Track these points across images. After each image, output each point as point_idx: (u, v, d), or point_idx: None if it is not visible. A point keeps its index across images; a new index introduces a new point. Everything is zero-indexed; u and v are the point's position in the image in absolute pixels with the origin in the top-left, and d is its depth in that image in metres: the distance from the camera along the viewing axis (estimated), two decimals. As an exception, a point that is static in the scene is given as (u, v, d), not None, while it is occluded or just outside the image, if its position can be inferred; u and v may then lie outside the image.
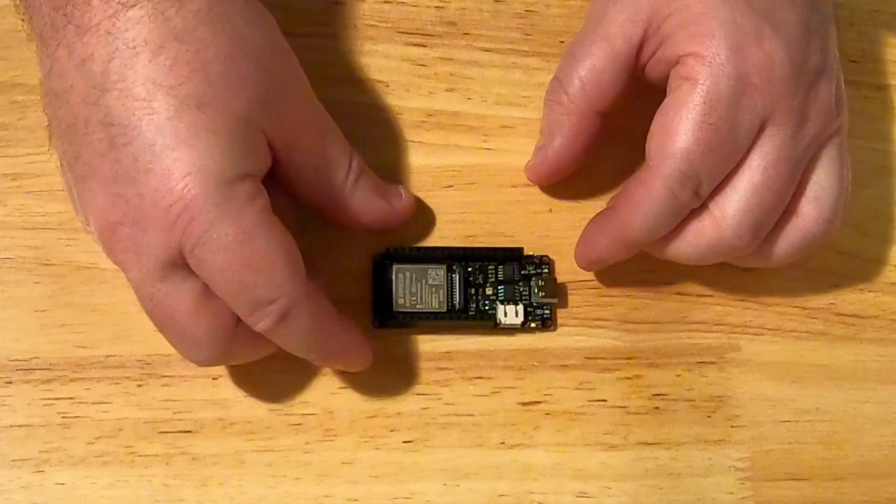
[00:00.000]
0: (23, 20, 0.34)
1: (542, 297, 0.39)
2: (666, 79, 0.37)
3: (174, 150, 0.31)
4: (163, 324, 0.34)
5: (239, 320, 0.33)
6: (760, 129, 0.35)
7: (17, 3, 0.35)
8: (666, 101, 0.36)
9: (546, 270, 0.40)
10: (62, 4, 0.32)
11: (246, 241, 0.31)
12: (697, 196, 0.35)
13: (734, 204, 0.35)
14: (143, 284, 0.33)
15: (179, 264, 0.32)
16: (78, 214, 0.34)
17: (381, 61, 0.42)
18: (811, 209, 0.36)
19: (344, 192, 0.37)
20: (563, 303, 0.40)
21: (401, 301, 0.39)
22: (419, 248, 0.40)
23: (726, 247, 0.36)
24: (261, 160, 0.33)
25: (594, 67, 0.37)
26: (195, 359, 0.34)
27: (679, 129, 0.35)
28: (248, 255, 0.31)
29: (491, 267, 0.40)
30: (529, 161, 0.40)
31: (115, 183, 0.32)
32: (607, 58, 0.37)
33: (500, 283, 0.40)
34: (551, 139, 0.39)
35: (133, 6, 0.31)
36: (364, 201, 0.37)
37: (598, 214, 0.38)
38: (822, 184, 0.36)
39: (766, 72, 0.35)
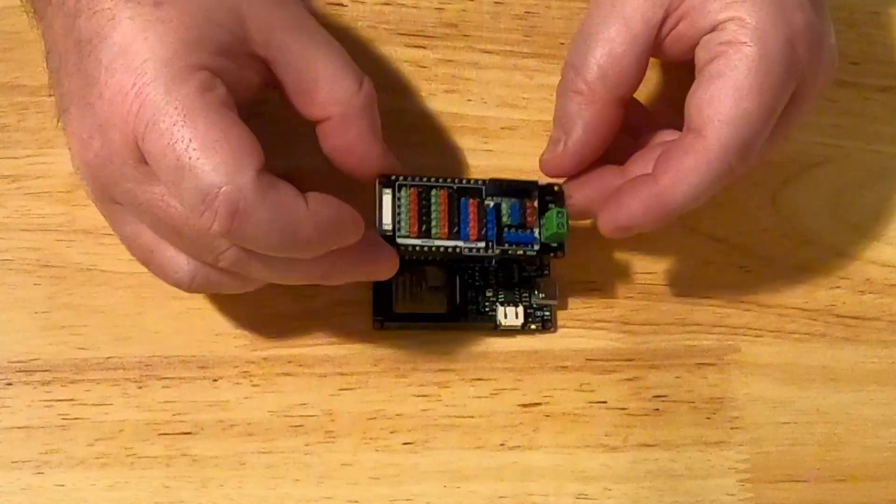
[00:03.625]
0: (26, 12, 0.36)
1: (543, 298, 0.39)
2: (687, 52, 0.36)
3: (131, 44, 0.31)
4: (147, 255, 0.34)
5: None
6: (796, 90, 0.35)
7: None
8: (711, 68, 0.35)
9: (546, 272, 0.40)
10: None
11: (188, 124, 0.31)
12: (745, 162, 0.34)
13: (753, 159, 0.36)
14: (119, 214, 0.34)
15: (145, 172, 0.32)
16: (73, 165, 0.34)
17: (381, 63, 0.42)
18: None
19: (349, 111, 0.35)
20: (563, 304, 0.40)
21: (401, 302, 0.39)
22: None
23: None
24: (224, 59, 0.32)
25: (613, 52, 0.36)
26: (174, 281, 0.34)
27: (738, 94, 0.34)
28: (188, 137, 0.30)
29: (491, 269, 0.40)
30: (544, 155, 0.38)
31: (84, 94, 0.32)
32: (626, 41, 0.36)
33: (501, 284, 0.40)
34: (570, 131, 0.37)
35: None
36: (365, 133, 0.35)
37: (634, 179, 0.36)
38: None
39: (806, 37, 0.35)
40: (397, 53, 0.42)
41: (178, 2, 0.32)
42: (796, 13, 0.34)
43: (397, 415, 0.39)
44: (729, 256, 0.41)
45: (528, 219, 0.37)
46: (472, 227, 0.36)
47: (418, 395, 0.39)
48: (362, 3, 0.43)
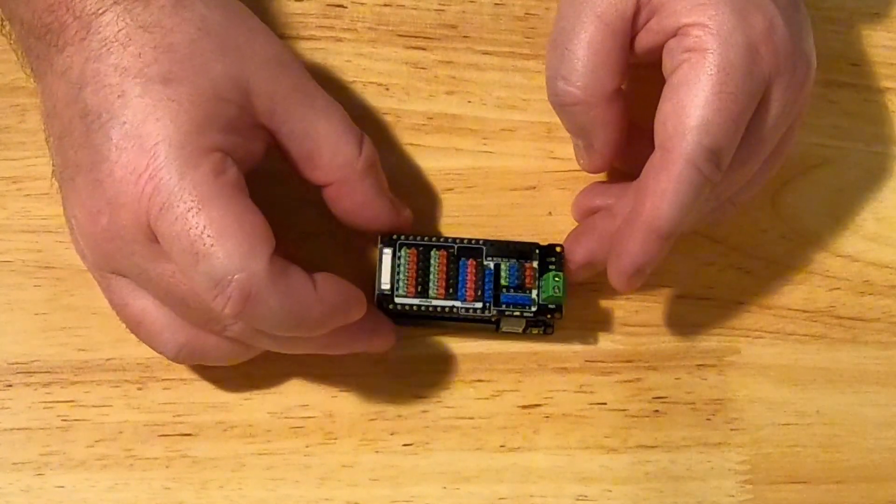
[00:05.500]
0: (23, 67, 0.36)
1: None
2: (656, 50, 0.36)
3: (142, 124, 0.32)
4: (135, 324, 0.35)
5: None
6: (764, 95, 0.35)
7: (18, 53, 0.36)
8: (673, 78, 0.35)
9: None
10: (43, 34, 0.33)
11: (202, 210, 0.31)
12: (720, 170, 0.35)
13: (742, 174, 0.36)
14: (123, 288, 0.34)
15: (156, 250, 0.32)
16: (72, 236, 0.35)
17: (381, 64, 0.42)
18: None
19: (351, 175, 0.36)
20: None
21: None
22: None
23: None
24: (233, 135, 0.33)
25: (595, 51, 0.36)
26: (159, 352, 0.35)
27: (697, 103, 0.34)
28: (202, 224, 0.31)
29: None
30: (581, 161, 0.39)
31: (93, 170, 0.32)
32: (605, 37, 0.36)
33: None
34: (590, 137, 0.37)
35: (104, 12, 0.32)
36: (370, 193, 0.36)
37: (623, 221, 0.36)
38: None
39: (770, 38, 0.35)
40: (397, 55, 0.42)
41: (186, 78, 0.32)
42: (758, 16, 0.34)
43: (397, 416, 0.39)
44: (728, 257, 0.41)
45: (527, 281, 0.37)
46: (470, 288, 0.37)
47: (418, 397, 0.39)
48: (362, 4, 0.43)
